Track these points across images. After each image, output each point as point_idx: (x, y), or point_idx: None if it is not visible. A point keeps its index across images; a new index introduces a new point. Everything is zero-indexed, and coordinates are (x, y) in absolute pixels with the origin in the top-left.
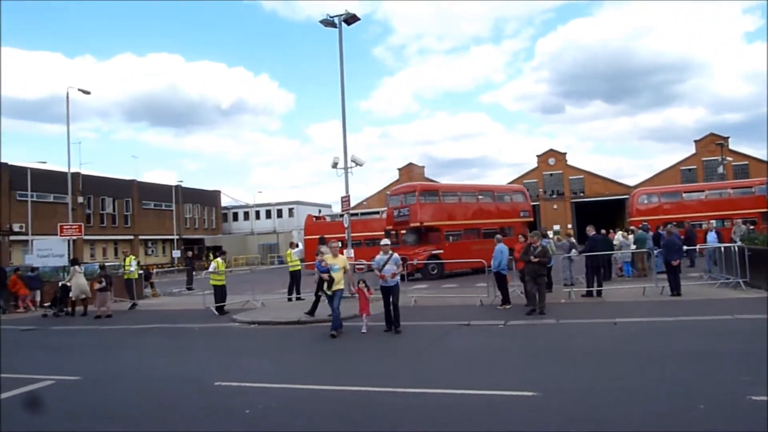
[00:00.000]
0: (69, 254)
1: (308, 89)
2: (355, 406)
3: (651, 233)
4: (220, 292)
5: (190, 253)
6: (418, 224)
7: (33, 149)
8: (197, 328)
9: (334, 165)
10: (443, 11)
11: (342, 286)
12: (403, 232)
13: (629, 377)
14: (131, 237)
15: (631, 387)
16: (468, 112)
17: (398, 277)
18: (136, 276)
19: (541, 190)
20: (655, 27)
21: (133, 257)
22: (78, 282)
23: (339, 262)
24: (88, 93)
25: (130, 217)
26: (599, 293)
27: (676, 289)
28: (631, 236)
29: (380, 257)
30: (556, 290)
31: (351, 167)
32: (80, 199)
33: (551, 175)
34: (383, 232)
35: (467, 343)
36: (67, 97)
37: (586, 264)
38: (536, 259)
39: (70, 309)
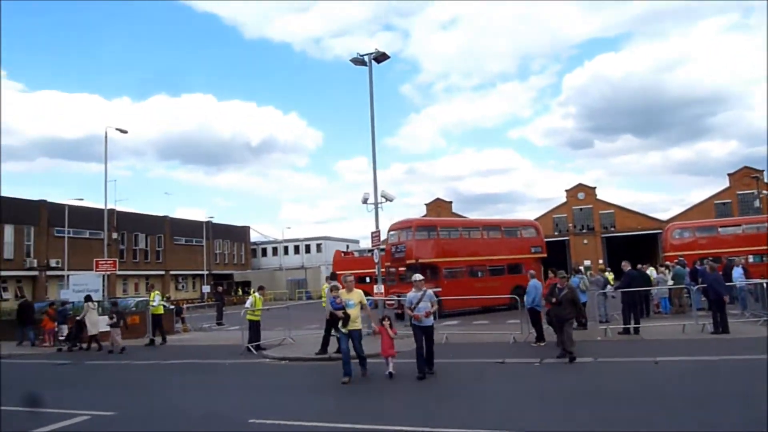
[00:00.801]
0: (103, 289)
1: (336, 127)
2: None
3: (687, 269)
4: (255, 328)
5: (220, 288)
6: (413, 261)
7: (71, 187)
8: (228, 363)
9: (364, 201)
10: (469, 49)
11: (359, 325)
12: (402, 269)
13: (681, 420)
14: (163, 272)
15: None
16: (495, 148)
17: (432, 317)
18: (161, 311)
19: (570, 224)
20: (684, 60)
21: (157, 292)
22: (91, 318)
23: (354, 297)
24: (125, 132)
25: (162, 253)
26: (636, 330)
27: (723, 327)
28: (667, 272)
29: (412, 294)
30: (591, 327)
31: (381, 202)
32: (115, 235)
33: (581, 209)
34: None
35: (502, 382)
36: (106, 137)
37: (622, 300)
38: (554, 300)
39: (86, 345)
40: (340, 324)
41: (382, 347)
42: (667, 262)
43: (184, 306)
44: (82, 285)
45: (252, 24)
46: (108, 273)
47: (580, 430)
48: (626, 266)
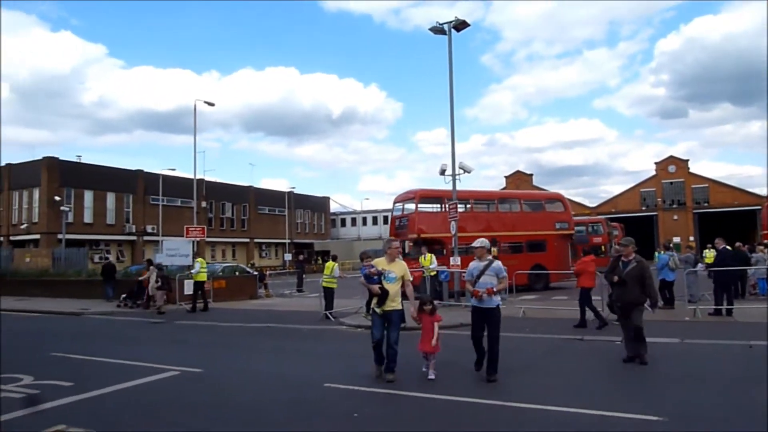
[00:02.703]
0: (193, 254)
1: (416, 98)
2: (463, 417)
3: None
4: (330, 296)
5: (302, 257)
6: (415, 236)
7: (164, 157)
8: (306, 329)
9: (442, 172)
10: (554, 16)
11: (398, 305)
12: (411, 244)
13: None
14: (247, 240)
15: None
16: (579, 118)
17: (499, 296)
18: (204, 278)
19: (659, 199)
20: None
21: (201, 259)
22: (152, 280)
23: (396, 269)
24: (212, 105)
25: (247, 221)
26: (729, 312)
27: None
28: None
29: (474, 264)
30: (679, 307)
31: (459, 174)
32: (203, 204)
33: (671, 183)
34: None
35: (581, 360)
36: (195, 110)
37: (714, 279)
38: (615, 279)
39: (145, 302)
40: (374, 303)
41: (421, 339)
42: (766, 241)
43: (267, 272)
44: (174, 250)
45: None
46: (197, 239)
47: (658, 409)
48: (720, 244)
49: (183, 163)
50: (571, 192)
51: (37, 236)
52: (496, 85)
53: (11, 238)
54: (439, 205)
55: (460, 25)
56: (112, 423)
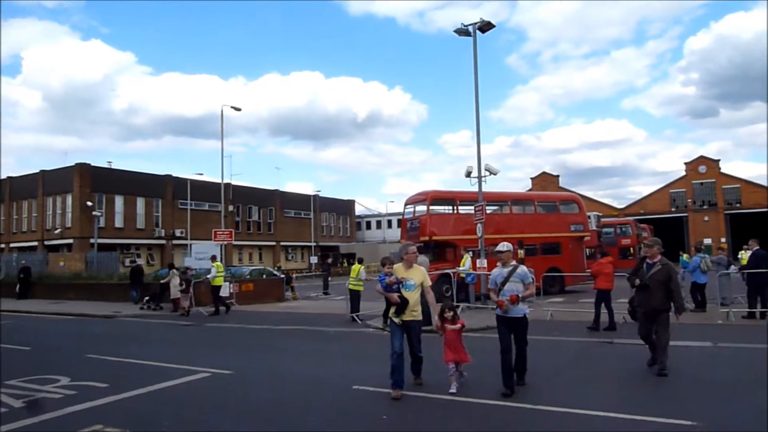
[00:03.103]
0: (222, 258)
1: (440, 100)
2: (491, 419)
3: None
4: (356, 298)
5: (329, 260)
6: (427, 238)
7: (192, 162)
8: (333, 331)
9: (468, 174)
10: (580, 16)
11: (418, 314)
12: (419, 246)
13: None
14: (274, 243)
15: None
16: (606, 119)
17: (526, 305)
18: (221, 282)
19: (689, 200)
20: None
21: (218, 264)
22: (174, 283)
23: (415, 276)
24: (239, 110)
25: (273, 225)
26: (763, 315)
27: None
28: None
29: (497, 271)
30: (711, 309)
31: (485, 176)
32: (230, 208)
33: (701, 184)
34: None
35: (611, 363)
36: (222, 115)
37: (747, 282)
38: (637, 282)
39: (171, 306)
40: (391, 312)
41: (445, 351)
42: None
43: (293, 275)
44: (202, 253)
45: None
46: (225, 243)
47: (692, 414)
48: (753, 245)
49: (210, 167)
50: (599, 193)
51: (70, 241)
52: (522, 86)
53: (45, 242)
54: (451, 207)
55: (485, 26)
56: (147, 423)
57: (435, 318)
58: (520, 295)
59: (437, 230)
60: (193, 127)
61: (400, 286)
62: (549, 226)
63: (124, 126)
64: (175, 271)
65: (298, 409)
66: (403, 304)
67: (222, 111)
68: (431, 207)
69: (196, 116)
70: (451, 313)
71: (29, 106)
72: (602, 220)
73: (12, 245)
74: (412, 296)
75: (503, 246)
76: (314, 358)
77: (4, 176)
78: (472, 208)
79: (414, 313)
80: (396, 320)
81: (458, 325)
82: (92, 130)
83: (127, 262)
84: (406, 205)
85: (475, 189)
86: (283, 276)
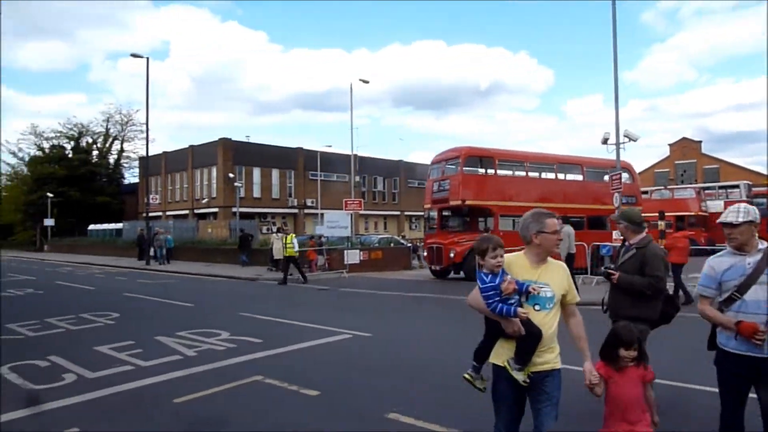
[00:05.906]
0: (352, 226)
1: (568, 64)
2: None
3: None
4: None
5: None
6: (459, 203)
7: (320, 135)
8: (462, 300)
9: (604, 141)
10: None
11: (557, 360)
12: (446, 213)
13: None
14: (398, 213)
15: None
16: (757, 77)
17: None
18: (294, 253)
19: None
20: None
21: (294, 235)
22: (276, 247)
23: (553, 278)
24: (367, 82)
25: (398, 195)
26: None
27: None
28: None
29: (728, 261)
30: None
31: (623, 142)
32: (357, 178)
33: None
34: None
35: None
36: (351, 89)
37: None
38: (613, 274)
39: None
40: (504, 357)
41: (606, 418)
42: None
43: (419, 244)
44: (334, 222)
45: None
46: (354, 212)
47: None
48: None
49: (337, 139)
50: (747, 160)
51: (216, 209)
52: (659, 45)
53: (195, 211)
54: (486, 168)
55: None
56: (301, 377)
57: (587, 366)
58: None
59: (471, 194)
60: (319, 100)
61: (524, 299)
62: (597, 197)
63: (256, 102)
64: (275, 235)
65: (436, 367)
66: (533, 338)
67: (351, 85)
68: (464, 167)
69: (322, 90)
70: (634, 353)
71: (177, 87)
72: (753, 189)
73: (168, 213)
74: (548, 320)
75: (736, 212)
76: (446, 323)
77: (160, 151)
78: (518, 169)
79: (549, 356)
80: (519, 377)
81: (645, 373)
82: (230, 106)
83: (264, 229)
84: (432, 163)
85: (522, 151)
86: (410, 245)
